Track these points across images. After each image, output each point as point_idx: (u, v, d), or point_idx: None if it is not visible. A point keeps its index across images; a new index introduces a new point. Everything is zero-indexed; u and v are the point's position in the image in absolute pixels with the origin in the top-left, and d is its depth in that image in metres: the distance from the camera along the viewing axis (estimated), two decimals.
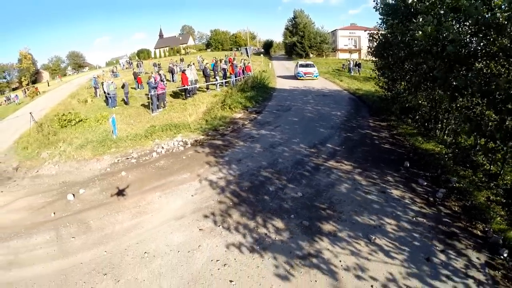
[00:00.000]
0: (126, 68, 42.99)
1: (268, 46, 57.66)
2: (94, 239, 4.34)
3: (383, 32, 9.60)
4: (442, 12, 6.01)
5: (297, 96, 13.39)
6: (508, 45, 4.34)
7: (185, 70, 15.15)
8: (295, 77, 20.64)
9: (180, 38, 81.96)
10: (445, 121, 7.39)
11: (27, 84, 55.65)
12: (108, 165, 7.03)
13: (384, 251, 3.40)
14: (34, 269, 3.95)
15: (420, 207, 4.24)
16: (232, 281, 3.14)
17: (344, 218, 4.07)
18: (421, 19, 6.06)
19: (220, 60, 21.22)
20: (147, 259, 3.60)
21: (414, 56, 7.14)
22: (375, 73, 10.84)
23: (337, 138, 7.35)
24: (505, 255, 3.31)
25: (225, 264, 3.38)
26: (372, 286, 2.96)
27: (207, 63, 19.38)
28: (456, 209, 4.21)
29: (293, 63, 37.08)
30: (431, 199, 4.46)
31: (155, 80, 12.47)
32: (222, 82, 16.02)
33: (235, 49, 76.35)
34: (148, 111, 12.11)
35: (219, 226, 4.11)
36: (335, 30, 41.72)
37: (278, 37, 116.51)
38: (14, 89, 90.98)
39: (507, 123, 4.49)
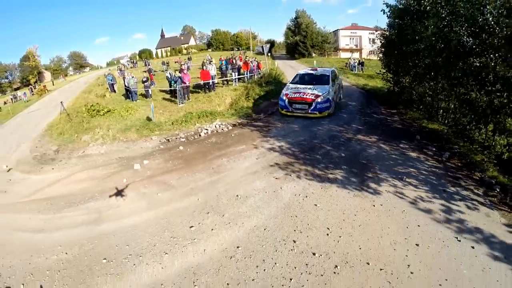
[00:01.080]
0: (131, 68, 44.50)
1: (270, 46, 58.70)
2: (180, 193, 5.16)
3: (387, 34, 11.09)
4: (443, 15, 7.45)
5: None
6: (497, 44, 5.77)
7: (204, 67, 16.43)
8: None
9: (182, 38, 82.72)
10: (445, 105, 8.85)
11: (35, 82, 55.61)
12: (159, 143, 8.17)
13: (413, 185, 4.83)
14: (129, 220, 4.48)
15: (432, 163, 5.67)
16: (316, 204, 4.44)
17: (380, 168, 5.49)
18: (429, 21, 7.43)
19: (234, 58, 22.64)
20: (241, 199, 4.77)
21: (420, 52, 8.57)
22: (382, 69, 12.27)
23: (358, 121, 8.82)
24: (498, 189, 4.70)
25: (306, 196, 4.68)
26: (408, 201, 4.38)
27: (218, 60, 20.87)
28: (459, 165, 5.64)
29: (296, 62, 38.54)
30: (439, 158, 5.88)
31: (183, 72, 13.88)
32: (238, 78, 17.40)
33: (236, 49, 77.37)
34: (171, 103, 13.52)
35: (290, 175, 5.40)
36: (337, 30, 43.37)
37: (277, 37, 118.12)
38: (16, 89, 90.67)
39: (495, 102, 5.98)
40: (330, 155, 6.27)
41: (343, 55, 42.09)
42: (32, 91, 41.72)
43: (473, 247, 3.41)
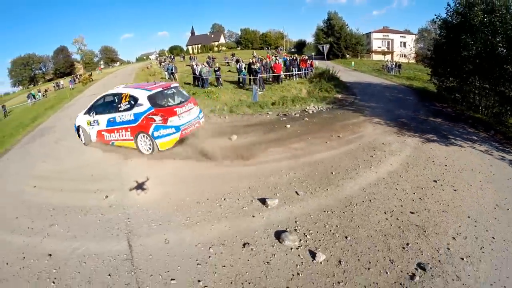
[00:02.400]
0: (169, 63, 48.10)
1: (301, 46, 61.41)
2: (342, 142, 7.76)
3: (437, 42, 13.97)
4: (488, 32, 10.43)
5: (368, 87, 17.89)
6: None
7: (277, 61, 19.75)
8: None
9: (212, 36, 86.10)
10: (485, 101, 11.73)
11: (79, 74, 59.59)
12: (278, 117, 10.58)
13: (478, 144, 7.86)
14: (321, 155, 6.90)
15: (484, 135, 8.77)
16: (431, 148, 7.56)
17: (455, 135, 8.48)
18: (477, 35, 10.44)
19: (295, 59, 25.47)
20: (386, 145, 7.60)
21: (469, 58, 11.43)
22: (428, 71, 15.15)
23: (423, 110, 11.80)
24: None
25: (422, 144, 7.73)
26: (479, 150, 7.37)
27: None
28: (501, 138, 8.67)
29: (332, 63, 40.92)
30: (488, 134, 8.97)
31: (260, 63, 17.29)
32: (297, 74, 20.29)
33: (266, 48, 79.85)
34: (245, 90, 16.32)
35: (403, 134, 8.32)
36: (370, 32, 45.75)
37: (302, 36, 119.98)
38: (49, 80, 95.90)
39: None
40: (420, 128, 9.23)
41: (375, 57, 44.51)
42: (74, 81, 42.47)
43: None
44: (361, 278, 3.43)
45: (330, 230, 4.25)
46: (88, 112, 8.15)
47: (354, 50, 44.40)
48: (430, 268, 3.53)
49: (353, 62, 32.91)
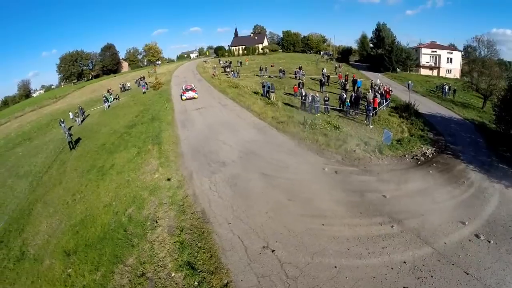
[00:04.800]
0: (229, 69, 47.35)
1: (347, 54, 64.75)
2: None
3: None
4: None
5: (444, 123, 20.08)
6: None
7: (376, 95, 20.97)
8: None
9: (256, 38, 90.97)
10: None
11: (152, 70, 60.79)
12: (413, 161, 15.13)
13: None
14: None
15: None
16: None
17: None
18: None
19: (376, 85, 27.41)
20: None
21: None
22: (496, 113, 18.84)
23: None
24: None
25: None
26: None
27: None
28: None
29: (384, 77, 43.94)
30: None
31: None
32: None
33: (309, 52, 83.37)
34: (355, 122, 18.96)
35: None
36: (419, 47, 49.35)
37: (342, 41, 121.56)
38: (95, 77, 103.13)
39: None
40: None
41: (423, 71, 48.32)
42: (139, 84, 44.31)
43: None
44: None
45: None
46: None
47: (404, 64, 48.37)
48: None
49: (409, 81, 36.33)
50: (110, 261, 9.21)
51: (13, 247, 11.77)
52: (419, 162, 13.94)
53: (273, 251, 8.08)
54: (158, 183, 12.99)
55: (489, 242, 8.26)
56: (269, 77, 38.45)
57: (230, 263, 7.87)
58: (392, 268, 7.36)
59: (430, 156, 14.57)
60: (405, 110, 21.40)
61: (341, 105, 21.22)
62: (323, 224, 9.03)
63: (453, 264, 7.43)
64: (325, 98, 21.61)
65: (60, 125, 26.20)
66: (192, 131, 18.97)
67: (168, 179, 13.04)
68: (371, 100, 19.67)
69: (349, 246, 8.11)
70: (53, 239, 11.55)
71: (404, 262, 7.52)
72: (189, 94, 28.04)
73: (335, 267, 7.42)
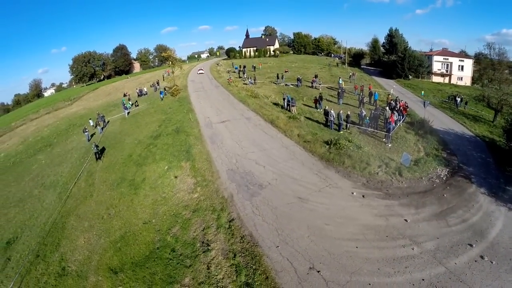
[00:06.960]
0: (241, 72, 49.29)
1: (358, 58, 65.54)
2: None
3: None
4: None
5: (457, 141, 21.14)
6: None
7: (394, 112, 21.79)
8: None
9: (267, 39, 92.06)
10: None
11: (166, 74, 55.33)
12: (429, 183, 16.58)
13: None
14: None
15: None
16: None
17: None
18: None
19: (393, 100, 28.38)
20: None
21: None
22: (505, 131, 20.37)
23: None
24: None
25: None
26: None
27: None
28: None
29: (396, 84, 44.87)
30: None
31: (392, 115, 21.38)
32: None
33: (319, 54, 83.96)
34: (377, 138, 20.27)
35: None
36: (431, 54, 50.37)
37: (351, 42, 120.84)
38: (107, 77, 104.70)
39: None
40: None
41: (435, 78, 49.38)
42: (155, 89, 43.85)
43: None
44: None
45: None
46: None
47: (416, 71, 49.41)
48: None
49: (422, 92, 37.50)
50: (164, 280, 9.71)
51: (52, 262, 11.77)
52: (435, 185, 15.71)
53: (318, 271, 9.52)
54: (199, 204, 13.79)
55: (492, 262, 9.73)
56: (286, 85, 39.52)
57: (284, 283, 9.11)
58: (413, 284, 8.95)
59: (444, 179, 16.40)
60: (420, 127, 22.47)
61: (360, 121, 22.53)
62: (356, 247, 10.55)
63: (461, 281, 8.98)
64: (348, 115, 22.47)
65: (84, 133, 27.36)
66: (222, 149, 19.65)
67: (210, 200, 13.74)
68: (389, 120, 20.59)
69: (379, 266, 9.66)
70: (94, 255, 11.85)
71: (423, 279, 9.11)
72: (201, 71, 59.10)
73: (369, 284, 9.03)
